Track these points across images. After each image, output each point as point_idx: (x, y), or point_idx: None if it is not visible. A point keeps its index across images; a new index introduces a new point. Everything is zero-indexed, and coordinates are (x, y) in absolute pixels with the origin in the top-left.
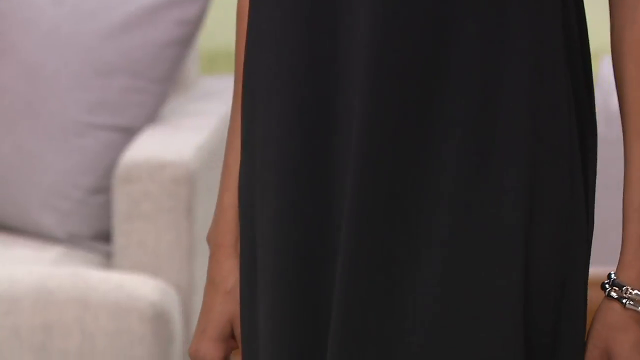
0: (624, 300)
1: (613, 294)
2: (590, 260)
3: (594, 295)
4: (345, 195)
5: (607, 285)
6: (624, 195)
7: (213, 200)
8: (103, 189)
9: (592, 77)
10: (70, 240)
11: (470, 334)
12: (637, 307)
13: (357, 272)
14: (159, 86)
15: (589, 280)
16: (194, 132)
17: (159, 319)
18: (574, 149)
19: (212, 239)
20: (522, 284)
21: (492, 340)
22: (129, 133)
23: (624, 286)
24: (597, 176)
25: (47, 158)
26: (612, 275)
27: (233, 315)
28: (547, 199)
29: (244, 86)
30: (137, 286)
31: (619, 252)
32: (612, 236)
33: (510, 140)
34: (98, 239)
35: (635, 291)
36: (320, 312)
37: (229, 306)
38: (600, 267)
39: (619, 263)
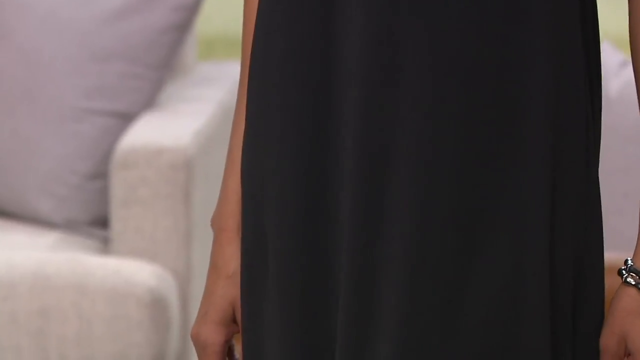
0: None
1: (630, 280)
2: None
3: (609, 281)
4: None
5: (624, 272)
6: None
7: (210, 186)
8: (100, 174)
9: (600, 65)
10: (67, 225)
11: (495, 322)
12: None
13: (358, 273)
14: (156, 72)
15: None
16: (192, 117)
17: (156, 304)
18: (589, 139)
19: (216, 223)
20: (548, 277)
21: (519, 332)
22: (126, 119)
23: None
24: None
25: (45, 143)
26: (629, 262)
27: (235, 300)
28: (567, 190)
29: (250, 72)
30: (134, 272)
31: (618, 237)
32: (611, 222)
33: (532, 135)
34: (95, 224)
35: None
36: (325, 310)
37: (230, 290)
38: None
39: (635, 249)
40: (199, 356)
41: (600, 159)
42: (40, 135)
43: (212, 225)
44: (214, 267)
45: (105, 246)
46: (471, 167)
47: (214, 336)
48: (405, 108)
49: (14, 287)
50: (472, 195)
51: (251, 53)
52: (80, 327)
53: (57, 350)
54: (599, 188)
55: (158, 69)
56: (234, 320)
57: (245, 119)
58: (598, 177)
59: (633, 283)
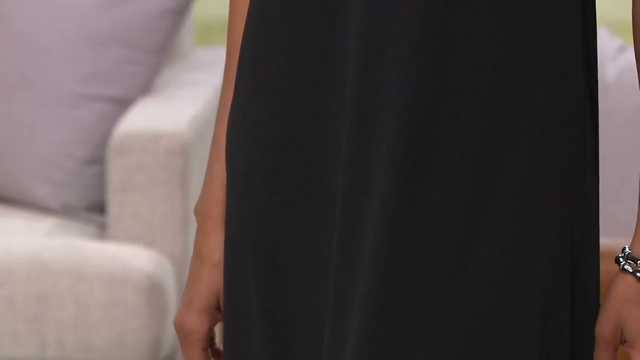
0: (638, 274)
1: (627, 267)
2: None
3: (605, 268)
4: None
5: (621, 259)
6: None
7: None
8: (97, 159)
9: (596, 51)
10: (64, 211)
11: (491, 315)
12: None
13: (346, 270)
14: (153, 57)
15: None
16: (188, 103)
17: (153, 289)
18: (587, 133)
19: (200, 211)
20: (547, 270)
21: (511, 317)
22: (123, 104)
23: (638, 260)
24: None
25: (41, 129)
26: (627, 249)
27: (219, 288)
28: (564, 183)
29: (240, 60)
30: (131, 257)
31: (614, 224)
32: (608, 209)
33: (530, 129)
34: (92, 210)
35: None
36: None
37: (215, 278)
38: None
39: (633, 237)
40: (182, 344)
41: None
42: (37, 120)
43: (195, 213)
44: (198, 255)
45: (102, 232)
46: (469, 162)
47: (198, 324)
48: (396, 100)
49: (11, 272)
50: (470, 191)
51: (242, 40)
52: (77, 312)
53: (54, 336)
54: (597, 180)
55: (155, 54)
56: (219, 309)
57: (231, 106)
58: (598, 170)
59: (630, 270)
